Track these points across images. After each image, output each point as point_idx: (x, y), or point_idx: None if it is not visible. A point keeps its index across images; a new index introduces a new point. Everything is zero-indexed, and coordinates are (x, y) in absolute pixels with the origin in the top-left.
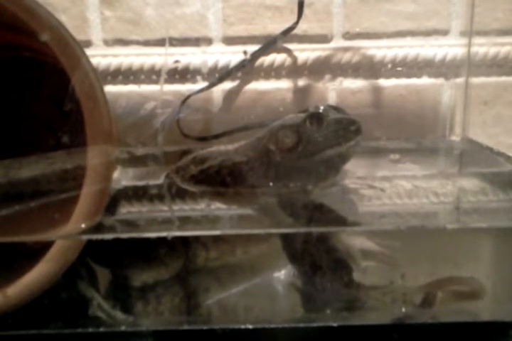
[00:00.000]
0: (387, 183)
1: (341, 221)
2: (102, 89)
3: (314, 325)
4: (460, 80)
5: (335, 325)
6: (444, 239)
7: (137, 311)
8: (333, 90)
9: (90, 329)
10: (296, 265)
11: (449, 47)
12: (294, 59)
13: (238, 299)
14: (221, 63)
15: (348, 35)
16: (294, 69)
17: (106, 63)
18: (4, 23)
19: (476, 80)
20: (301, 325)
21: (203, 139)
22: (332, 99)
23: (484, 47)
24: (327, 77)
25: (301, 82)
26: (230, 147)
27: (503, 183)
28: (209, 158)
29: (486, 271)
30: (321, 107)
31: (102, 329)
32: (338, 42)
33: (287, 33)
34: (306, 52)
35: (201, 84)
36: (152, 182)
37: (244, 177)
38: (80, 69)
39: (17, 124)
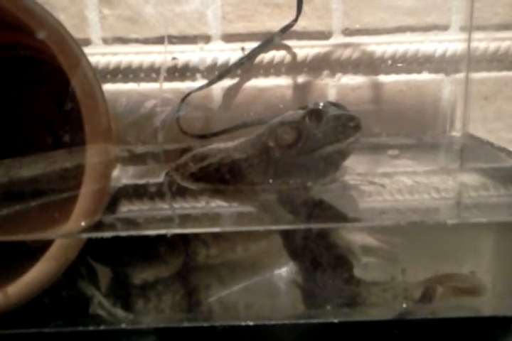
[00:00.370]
0: (388, 179)
1: (341, 217)
2: (100, 88)
3: (315, 321)
4: (460, 75)
5: (336, 321)
6: (446, 235)
7: (138, 309)
8: (333, 87)
9: (91, 328)
10: (296, 261)
11: (449, 43)
12: (294, 56)
13: (239, 296)
14: (220, 60)
15: (347, 32)
16: (294, 66)
17: (105, 62)
18: (3, 22)
19: (476, 75)
20: (302, 321)
21: (203, 137)
22: (332, 95)
23: (484, 42)
24: (327, 73)
25: (301, 79)
26: (230, 144)
27: (503, 178)
28: (209, 156)
29: (487, 266)
30: (321, 104)
31: (102, 328)
32: (337, 39)
33: (286, 31)
34: (305, 49)
35: (201, 81)
36: (152, 180)
37: (243, 175)
38: (78, 67)
39: (16, 123)
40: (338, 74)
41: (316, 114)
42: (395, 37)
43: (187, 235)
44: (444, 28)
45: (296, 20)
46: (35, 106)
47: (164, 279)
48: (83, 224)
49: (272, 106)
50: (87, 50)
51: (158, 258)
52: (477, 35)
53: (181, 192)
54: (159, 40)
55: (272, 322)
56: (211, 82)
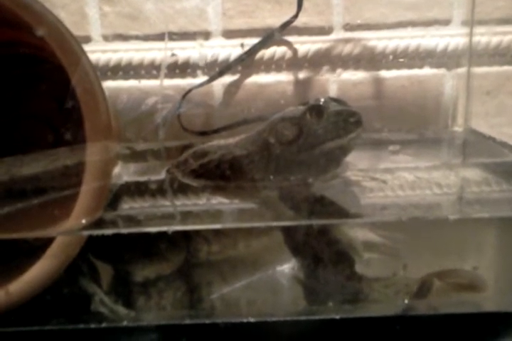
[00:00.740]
0: (389, 175)
1: (343, 213)
2: (100, 85)
3: (317, 317)
4: (462, 70)
5: (337, 317)
6: (448, 230)
7: (139, 306)
8: (335, 82)
9: (92, 325)
10: (298, 258)
11: (450, 37)
12: (295, 51)
13: (240, 293)
14: (221, 57)
15: (348, 27)
16: (295, 62)
17: (106, 59)
18: (2, 19)
19: (478, 70)
20: (304, 317)
21: (204, 133)
22: (333, 91)
23: (486, 37)
24: (327, 69)
25: (302, 75)
26: (231, 141)
27: (506, 173)
28: (209, 152)
29: (489, 262)
30: (322, 99)
31: (104, 325)
32: (338, 34)
33: (286, 27)
34: (306, 45)
35: (201, 78)
36: (153, 177)
37: (244, 171)
38: (78, 65)
39: (16, 121)
40: (339, 70)
41: (316, 110)
42: (396, 32)
43: (188, 232)
44: (446, 22)
45: (296, 16)
46: (36, 104)
47: (166, 276)
48: (84, 221)
49: (273, 103)
50: (87, 47)
51: (159, 255)
52: (479, 29)
53: (182, 189)
54: (160, 37)
55: (274, 319)
56: (212, 79)
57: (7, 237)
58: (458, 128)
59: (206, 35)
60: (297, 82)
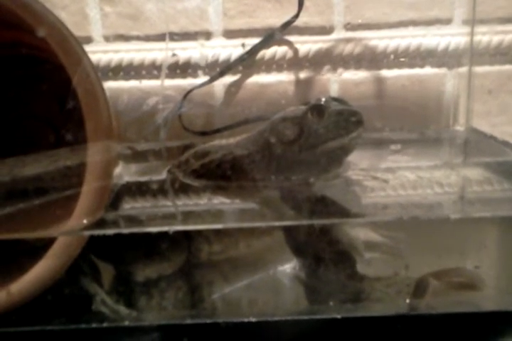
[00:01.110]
0: (391, 174)
1: (344, 213)
2: (101, 85)
3: (318, 317)
4: (463, 69)
5: (339, 316)
6: (449, 229)
7: (141, 306)
8: (336, 82)
9: (94, 325)
10: (299, 257)
11: (451, 37)
12: (296, 51)
13: (242, 292)
14: (222, 57)
15: (349, 26)
16: (296, 62)
17: (107, 59)
18: (3, 20)
19: (479, 69)
20: (305, 317)
21: (205, 133)
22: (334, 90)
23: (487, 36)
24: (328, 68)
25: (303, 75)
26: (232, 141)
27: (507, 172)
28: (210, 152)
29: (491, 261)
30: (323, 99)
31: (105, 325)
32: (339, 34)
33: (287, 26)
34: (307, 44)
35: (202, 78)
36: (154, 177)
37: (245, 171)
38: (79, 65)
39: (18, 121)
40: (340, 70)
41: (318, 110)
42: (397, 31)
43: (189, 232)
44: (447, 21)
45: (297, 16)
46: (37, 104)
47: (167, 276)
48: (85, 221)
49: (274, 102)
50: (88, 47)
51: (160, 255)
52: (480, 28)
53: (183, 189)
54: (161, 37)
55: (275, 319)
56: (213, 79)
57: (9, 237)
58: (459, 128)
59: (207, 35)
60: (298, 82)
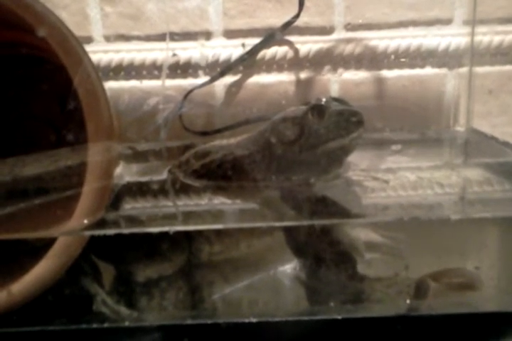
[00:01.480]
0: (391, 175)
1: (345, 213)
2: (101, 85)
3: (318, 317)
4: (464, 70)
5: (339, 317)
6: (450, 230)
7: (141, 306)
8: (336, 82)
9: (94, 325)
10: (299, 258)
11: (452, 37)
12: (296, 51)
13: (242, 293)
14: (222, 57)
15: (349, 27)
16: (296, 62)
17: (107, 59)
18: (3, 20)
19: (480, 70)
20: (306, 318)
21: (206, 134)
22: (335, 91)
23: (488, 36)
24: (328, 68)
25: (304, 75)
26: (232, 141)
27: (508, 173)
28: (211, 153)
29: (491, 262)
30: (323, 99)
31: (106, 325)
32: (340, 34)
33: (287, 27)
34: (308, 45)
35: (203, 78)
36: (155, 177)
37: (246, 171)
38: (80, 65)
39: (19, 121)
40: (340, 70)
41: (318, 110)
42: (397, 31)
43: (190, 232)
44: (447, 22)
45: (297, 16)
46: (38, 104)
47: (167, 276)
48: (86, 221)
49: (275, 103)
50: (89, 47)
51: (161, 256)
52: (480, 28)
53: (184, 189)
54: (161, 37)
55: (276, 319)
56: (213, 79)
57: (9, 237)
58: (460, 128)
59: (207, 35)
60: (299, 82)
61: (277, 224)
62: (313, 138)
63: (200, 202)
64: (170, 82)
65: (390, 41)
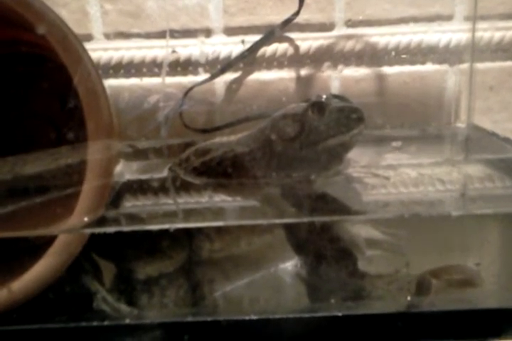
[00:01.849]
0: (392, 171)
1: (345, 210)
2: (101, 83)
3: (319, 314)
4: (464, 66)
5: (340, 314)
6: (451, 227)
7: (142, 304)
8: (337, 79)
9: (95, 323)
10: (300, 255)
11: (452, 33)
12: (296, 48)
13: (243, 290)
14: (223, 54)
15: (350, 23)
16: (297, 59)
17: (107, 57)
18: (3, 18)
19: (480, 66)
20: (306, 315)
21: (206, 131)
22: (335, 87)
23: (489, 32)
24: (330, 65)
25: (304, 72)
26: (233, 138)
27: (509, 169)
28: (211, 150)
29: (493, 258)
30: (324, 96)
31: (106, 323)
32: (340, 31)
33: (287, 23)
34: (308, 41)
35: (203, 75)
36: (155, 175)
37: (246, 168)
38: (79, 63)
39: (19, 120)
40: (341, 66)
41: (318, 107)
42: (398, 28)
43: (190, 229)
44: (448, 18)
45: (298, 12)
46: (38, 102)
47: (168, 274)
48: (86, 219)
49: (275, 100)
50: (88, 45)
51: (161, 253)
52: (481, 24)
53: (184, 187)
54: (161, 35)
55: (276, 316)
56: (214, 76)
57: (10, 235)
58: (460, 124)
59: (207, 32)
60: (299, 79)
61: (278, 221)
62: (314, 135)
63: (200, 200)
64: (170, 80)
65: (391, 37)
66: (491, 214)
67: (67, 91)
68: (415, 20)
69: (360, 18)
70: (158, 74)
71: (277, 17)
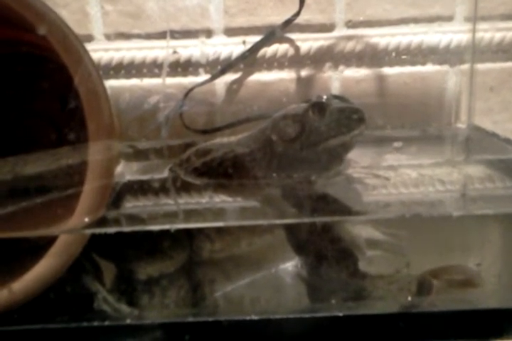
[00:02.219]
0: (392, 172)
1: (346, 210)
2: (102, 84)
3: (320, 315)
4: (465, 67)
5: (340, 314)
6: (451, 227)
7: (142, 304)
8: (337, 80)
9: (96, 323)
10: (301, 255)
11: (453, 34)
12: (297, 49)
13: (243, 290)
14: (223, 55)
15: (350, 24)
16: (297, 60)
17: (108, 57)
18: (4, 18)
19: (481, 66)
20: (307, 315)
21: (206, 132)
22: (336, 88)
23: (489, 33)
24: (330, 66)
25: (304, 72)
26: (233, 139)
27: (509, 170)
28: (212, 151)
29: (493, 258)
30: (324, 97)
31: (107, 323)
32: (340, 31)
33: (288, 24)
34: (308, 42)
35: (204, 76)
36: (156, 175)
37: (247, 169)
38: (80, 64)
39: (20, 120)
40: (341, 67)
41: (319, 107)
42: (398, 28)
43: (191, 230)
44: (449, 18)
45: (298, 13)
46: (38, 103)
47: (169, 274)
48: (87, 220)
49: (276, 100)
50: (89, 46)
51: (162, 254)
52: (482, 25)
53: (185, 187)
54: (162, 35)
55: (277, 317)
56: (214, 77)
57: (10, 236)
58: (461, 125)
59: (208, 33)
60: (299, 80)
61: (278, 221)
62: (314, 135)
63: (201, 200)
64: (170, 80)
65: (391, 38)
66: (491, 214)
67: (67, 91)
68: (416, 20)
69: (361, 18)
70: (158, 75)
71: (278, 18)
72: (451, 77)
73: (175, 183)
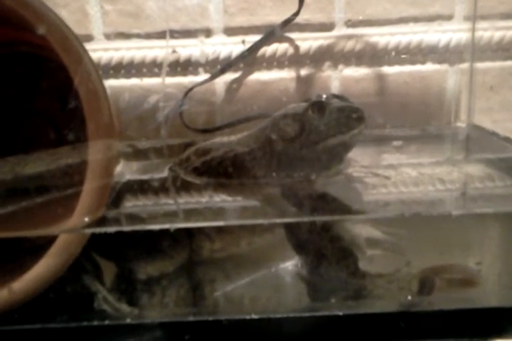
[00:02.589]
0: (392, 171)
1: (346, 209)
2: (102, 83)
3: (320, 314)
4: (465, 66)
5: (340, 313)
6: (451, 226)
7: (142, 303)
8: (337, 79)
9: (96, 323)
10: (301, 255)
11: (453, 33)
12: (296, 48)
13: (243, 290)
14: (223, 54)
15: (350, 23)
16: (297, 59)
17: (107, 57)
18: (4, 18)
19: (481, 65)
20: (307, 314)
21: (206, 131)
22: (335, 87)
23: (489, 32)
24: (330, 65)
25: (304, 72)
26: (233, 138)
27: (509, 169)
28: (211, 150)
29: (493, 257)
30: (324, 96)
31: (107, 322)
32: (340, 30)
33: (287, 23)
34: (308, 41)
35: (203, 75)
36: (156, 175)
37: (247, 168)
38: (80, 63)
39: (19, 120)
40: (341, 66)
41: (319, 106)
42: (398, 28)
43: (191, 229)
44: (448, 17)
45: (298, 12)
46: (38, 102)
47: (169, 273)
48: (87, 219)
49: (275, 100)
50: (89, 45)
51: (162, 253)
52: (481, 24)
53: (185, 187)
54: (161, 35)
55: (277, 316)
56: (214, 76)
57: (10, 236)
58: (461, 124)
59: (208, 32)
60: (299, 79)
61: (278, 220)
62: (314, 134)
63: (201, 199)
64: (170, 80)
65: (391, 37)
66: (491, 213)
67: (67, 91)
68: (415, 20)
69: (360, 18)
70: (158, 75)
71: (277, 17)
72: (450, 76)
73: (175, 183)
